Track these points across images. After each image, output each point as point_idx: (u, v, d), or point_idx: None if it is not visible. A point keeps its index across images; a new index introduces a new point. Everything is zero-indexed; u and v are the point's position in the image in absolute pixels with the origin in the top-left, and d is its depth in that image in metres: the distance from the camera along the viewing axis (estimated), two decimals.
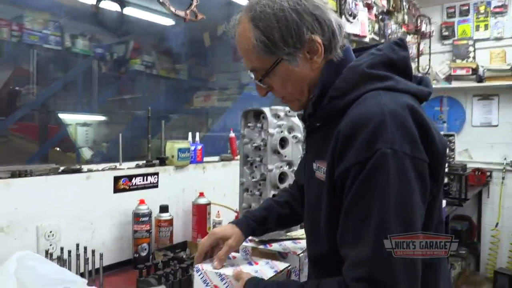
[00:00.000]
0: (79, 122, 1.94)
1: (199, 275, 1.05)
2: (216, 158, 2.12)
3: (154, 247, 1.62)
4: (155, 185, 1.69)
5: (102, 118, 2.11)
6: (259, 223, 1.17)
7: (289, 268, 1.11)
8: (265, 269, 1.08)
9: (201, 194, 1.78)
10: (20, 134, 1.72)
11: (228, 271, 1.03)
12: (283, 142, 1.53)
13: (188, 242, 1.67)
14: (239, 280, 0.95)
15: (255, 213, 1.19)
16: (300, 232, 1.50)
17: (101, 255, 1.32)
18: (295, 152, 1.56)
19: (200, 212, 1.75)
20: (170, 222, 1.63)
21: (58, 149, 1.90)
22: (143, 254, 1.53)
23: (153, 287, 1.22)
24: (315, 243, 0.99)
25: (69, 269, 1.29)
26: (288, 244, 1.45)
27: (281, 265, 1.11)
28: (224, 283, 1.01)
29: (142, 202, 1.56)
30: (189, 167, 1.87)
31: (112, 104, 2.18)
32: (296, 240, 1.48)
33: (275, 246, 1.41)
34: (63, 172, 1.44)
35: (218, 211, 1.87)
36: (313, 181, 0.96)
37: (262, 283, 0.93)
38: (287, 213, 1.22)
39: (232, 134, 2.15)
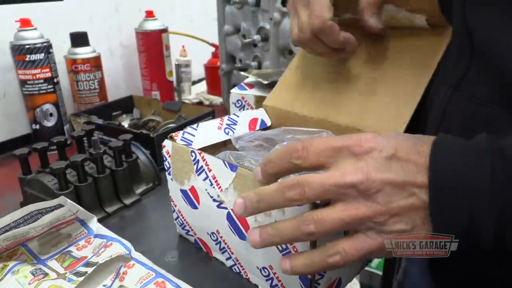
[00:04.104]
0: None
1: None
2: None
3: (70, 110, 0.90)
4: None
5: None
6: None
7: None
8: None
9: (150, 14, 1.00)
10: None
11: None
12: None
13: (135, 97, 0.96)
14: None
15: None
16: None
17: None
18: None
19: (152, 45, 1.00)
20: (95, 63, 0.88)
21: None
22: (48, 123, 0.81)
23: (48, 198, 0.54)
24: None
25: None
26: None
27: None
28: None
29: (25, 23, 0.78)
30: None
31: None
32: None
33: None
34: None
35: (183, 46, 1.12)
36: None
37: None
38: None
39: None
